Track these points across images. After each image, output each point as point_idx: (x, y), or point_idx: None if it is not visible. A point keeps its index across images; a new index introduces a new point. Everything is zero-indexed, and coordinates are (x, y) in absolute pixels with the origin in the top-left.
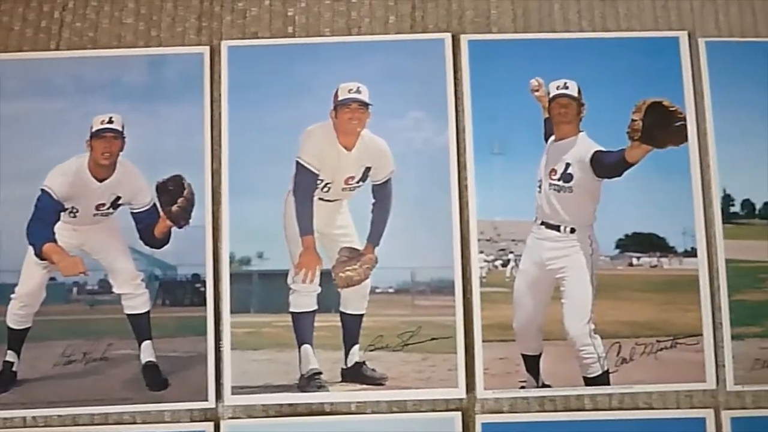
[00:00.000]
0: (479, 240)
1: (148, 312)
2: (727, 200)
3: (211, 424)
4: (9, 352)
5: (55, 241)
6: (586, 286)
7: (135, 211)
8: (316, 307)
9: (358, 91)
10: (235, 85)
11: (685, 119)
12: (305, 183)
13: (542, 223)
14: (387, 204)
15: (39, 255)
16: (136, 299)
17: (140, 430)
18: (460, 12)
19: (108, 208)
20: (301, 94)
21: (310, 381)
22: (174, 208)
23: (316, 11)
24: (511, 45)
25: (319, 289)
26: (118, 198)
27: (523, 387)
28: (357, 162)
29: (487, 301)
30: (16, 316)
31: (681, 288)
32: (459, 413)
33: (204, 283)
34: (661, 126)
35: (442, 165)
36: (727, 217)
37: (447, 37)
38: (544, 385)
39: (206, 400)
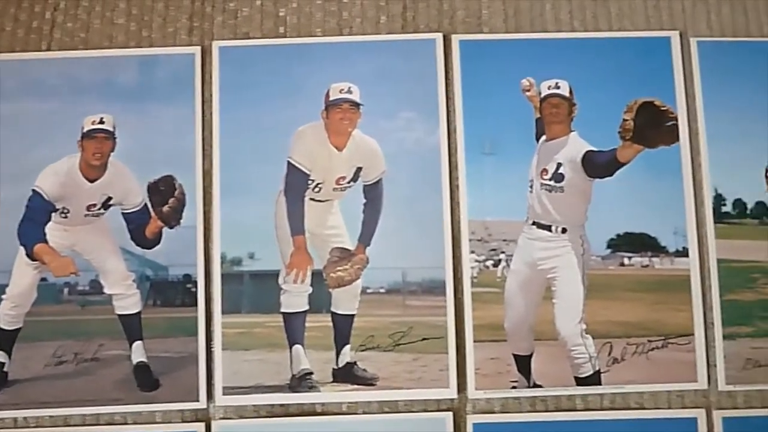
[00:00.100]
0: (470, 240)
1: (139, 312)
2: (718, 200)
3: (203, 424)
4: (0, 352)
5: (46, 241)
6: (578, 286)
7: (126, 211)
8: (307, 307)
9: (349, 91)
10: (226, 85)
11: (676, 119)
12: (296, 183)
13: (533, 223)
14: (378, 204)
15: (30, 255)
16: (127, 300)
17: (131, 430)
18: (451, 12)
19: (99, 209)
20: (293, 94)
21: (301, 381)
22: (165, 208)
23: (307, 11)
24: (503, 45)
25: (311, 290)
26: (110, 198)
27: (514, 387)
28: (348, 162)
29: (478, 301)
30: (7, 317)
31: (672, 288)
32: (450, 413)
33: (195, 283)
34: (652, 126)
35: (433, 165)
36: (719, 216)
37: (438, 37)
38: (536, 385)
39: (197, 400)
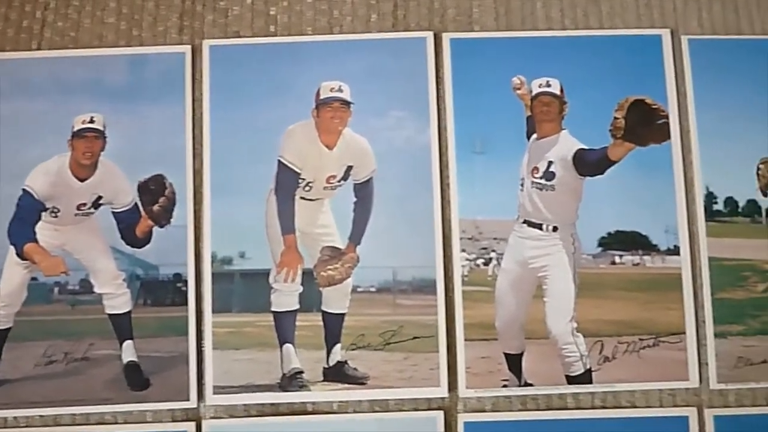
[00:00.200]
0: (461, 239)
1: (129, 312)
2: (710, 198)
3: (193, 423)
4: None
5: (36, 241)
6: (569, 285)
7: (116, 210)
8: (297, 306)
9: (339, 90)
10: (216, 84)
11: (667, 117)
12: (287, 182)
13: (524, 222)
14: (369, 203)
15: (20, 255)
16: (118, 299)
17: (122, 430)
18: (442, 10)
19: (89, 208)
20: (283, 93)
21: (291, 380)
22: (155, 207)
23: (298, 10)
24: (494, 43)
25: (301, 288)
26: (100, 198)
27: (505, 386)
28: (338, 161)
29: (469, 300)
30: None
31: (664, 286)
32: (441, 412)
33: (185, 282)
34: (643, 124)
35: (423, 164)
36: (710, 215)
37: (429, 35)
38: (527, 384)
39: (188, 399)
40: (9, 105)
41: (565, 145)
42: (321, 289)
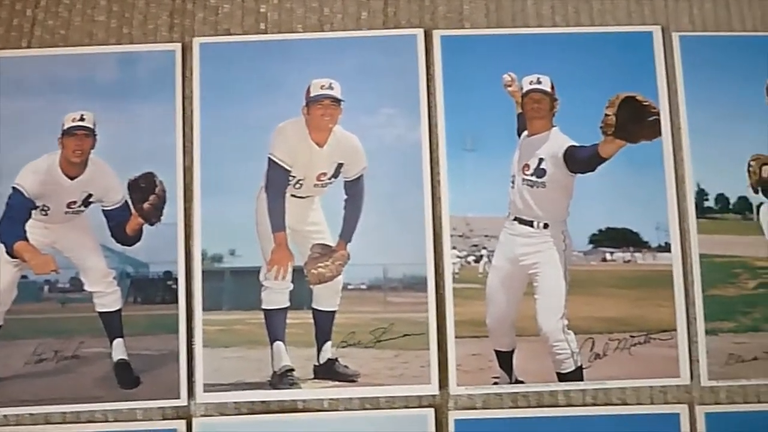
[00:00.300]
0: (452, 236)
1: (119, 310)
2: (701, 195)
3: (183, 421)
4: None
5: (26, 239)
6: (560, 282)
7: (106, 208)
8: (288, 303)
9: (330, 87)
10: (207, 82)
11: (658, 114)
12: (277, 179)
13: (515, 219)
14: (359, 200)
15: (10, 253)
16: (108, 297)
17: (112, 428)
18: (432, 8)
19: (79, 206)
20: (273, 91)
21: (282, 378)
22: (146, 205)
23: (288, 7)
24: (484, 40)
25: (291, 286)
26: (90, 196)
27: (496, 383)
28: (329, 158)
29: (459, 297)
30: None
31: (655, 283)
32: (432, 410)
33: (176, 280)
34: (634, 121)
35: (414, 161)
36: (701, 211)
37: (419, 32)
38: (517, 381)
39: (178, 397)
40: None
41: (555, 142)
42: (311, 286)
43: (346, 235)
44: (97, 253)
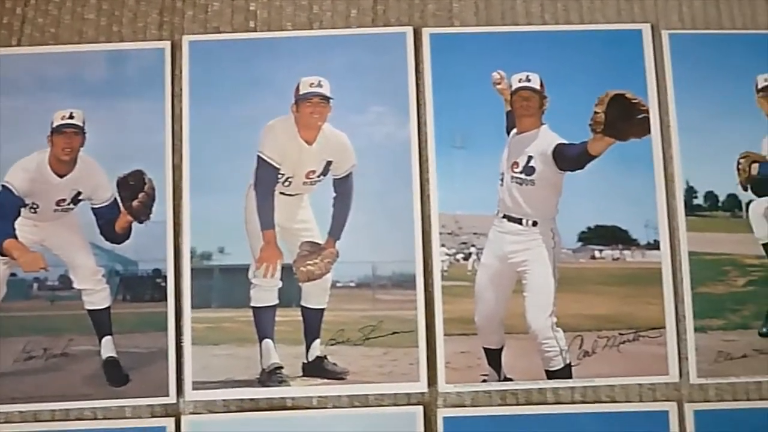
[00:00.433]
0: (441, 234)
1: (108, 307)
2: (690, 192)
3: (172, 419)
4: None
5: (15, 236)
6: (548, 280)
7: (96, 206)
8: (277, 301)
9: (319, 85)
10: (196, 80)
11: (647, 111)
12: (266, 177)
13: (504, 217)
14: (348, 198)
15: None
16: (97, 295)
17: (101, 425)
18: (421, 5)
19: (69, 204)
20: (263, 89)
21: (271, 376)
22: (135, 203)
23: (277, 5)
24: (473, 38)
25: (280, 284)
26: (79, 193)
27: (484, 381)
28: (318, 156)
29: (448, 295)
30: None
31: (644, 281)
32: (420, 407)
33: (165, 278)
34: (623, 118)
35: (403, 159)
36: (690, 209)
37: (408, 30)
38: (506, 379)
39: (167, 395)
40: None
41: (545, 139)
42: (300, 284)
43: (335, 232)
44: (86, 250)
